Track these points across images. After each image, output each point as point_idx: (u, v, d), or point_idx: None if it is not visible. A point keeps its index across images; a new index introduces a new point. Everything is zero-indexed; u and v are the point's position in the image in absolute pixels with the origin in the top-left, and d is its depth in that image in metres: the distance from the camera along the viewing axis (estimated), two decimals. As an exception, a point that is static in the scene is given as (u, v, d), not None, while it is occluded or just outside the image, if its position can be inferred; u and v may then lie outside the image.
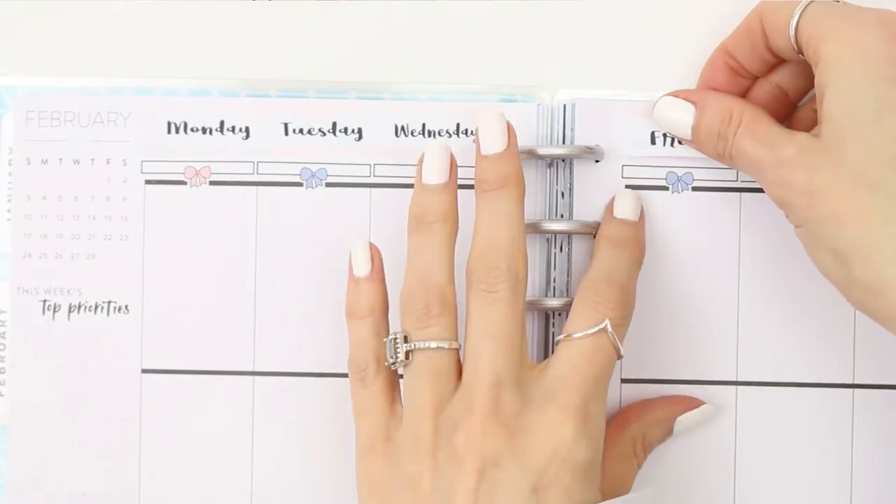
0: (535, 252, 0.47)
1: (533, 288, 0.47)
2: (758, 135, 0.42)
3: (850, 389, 0.46)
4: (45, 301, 0.47)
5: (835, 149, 0.39)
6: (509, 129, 0.43)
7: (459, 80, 0.48)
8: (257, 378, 0.47)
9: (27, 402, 0.47)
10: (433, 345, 0.41)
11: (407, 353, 0.42)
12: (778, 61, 0.44)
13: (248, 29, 0.48)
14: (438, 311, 0.42)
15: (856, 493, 0.46)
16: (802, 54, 0.42)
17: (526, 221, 0.45)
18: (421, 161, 0.44)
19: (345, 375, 0.46)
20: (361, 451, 0.43)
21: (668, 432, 0.45)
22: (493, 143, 0.43)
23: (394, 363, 0.42)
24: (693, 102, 0.44)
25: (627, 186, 0.46)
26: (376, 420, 0.43)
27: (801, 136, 0.41)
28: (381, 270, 0.44)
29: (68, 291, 0.47)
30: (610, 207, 0.46)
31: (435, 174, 0.43)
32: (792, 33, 0.41)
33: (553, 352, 0.43)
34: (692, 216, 0.47)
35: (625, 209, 0.45)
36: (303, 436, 0.47)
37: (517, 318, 0.41)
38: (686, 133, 0.45)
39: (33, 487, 0.47)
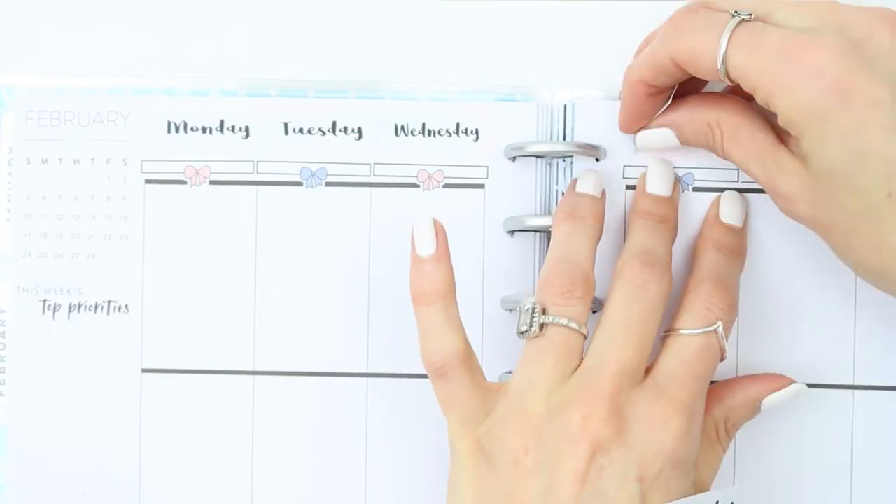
0: (535, 251, 0.47)
1: (533, 287, 0.47)
2: (744, 145, 0.42)
3: (851, 390, 0.46)
4: (45, 300, 0.47)
5: (831, 192, 0.39)
6: (675, 179, 0.45)
7: (459, 79, 0.47)
8: (257, 378, 0.47)
9: (27, 402, 0.47)
10: (570, 324, 0.41)
11: (542, 326, 0.41)
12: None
13: (248, 29, 0.48)
14: (582, 292, 0.41)
15: (855, 495, 0.46)
16: (733, 82, 0.40)
17: (525, 219, 0.45)
18: (573, 182, 0.45)
19: (345, 375, 0.46)
20: (459, 434, 0.41)
21: (755, 411, 0.45)
22: (662, 186, 0.45)
23: (525, 332, 0.41)
24: (667, 126, 0.44)
25: (628, 187, 0.46)
26: (472, 405, 0.42)
27: (791, 164, 0.40)
28: (448, 249, 0.43)
29: (68, 291, 0.47)
30: (714, 210, 0.46)
31: (592, 187, 0.44)
32: (721, 67, 0.40)
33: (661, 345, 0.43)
34: (694, 216, 0.46)
35: (733, 215, 0.45)
36: (303, 436, 0.47)
37: (656, 321, 0.41)
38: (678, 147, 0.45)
39: (33, 487, 0.47)
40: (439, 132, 0.47)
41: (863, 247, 0.39)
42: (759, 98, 0.40)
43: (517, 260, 0.47)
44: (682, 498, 0.40)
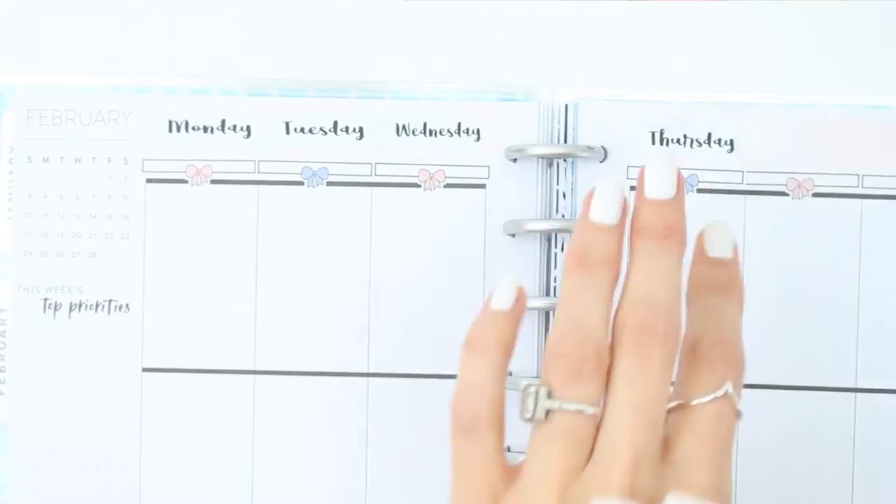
0: (536, 252, 0.47)
1: (533, 288, 0.46)
2: None
3: (853, 393, 0.46)
4: (45, 300, 0.47)
5: None
6: (679, 176, 0.38)
7: (460, 79, 0.47)
8: (258, 377, 0.47)
9: (27, 402, 0.47)
10: (579, 407, 0.36)
11: (547, 412, 0.36)
12: None
13: (249, 28, 0.48)
14: (592, 369, 0.36)
15: (857, 500, 0.46)
16: None
17: (526, 219, 0.44)
18: (590, 195, 0.39)
19: (346, 375, 0.46)
20: None
21: None
22: (662, 186, 0.38)
23: (529, 419, 0.36)
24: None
25: (632, 188, 0.46)
26: (486, 482, 0.37)
27: None
28: (523, 313, 0.39)
29: (69, 290, 0.47)
30: (700, 244, 0.40)
31: (607, 212, 0.38)
32: None
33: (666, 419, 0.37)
34: (696, 218, 0.46)
35: (720, 247, 0.40)
36: (303, 435, 0.47)
37: (666, 389, 0.36)
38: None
39: (33, 487, 0.47)
40: (440, 132, 0.47)
41: None
42: None
43: (518, 260, 0.47)
44: None
